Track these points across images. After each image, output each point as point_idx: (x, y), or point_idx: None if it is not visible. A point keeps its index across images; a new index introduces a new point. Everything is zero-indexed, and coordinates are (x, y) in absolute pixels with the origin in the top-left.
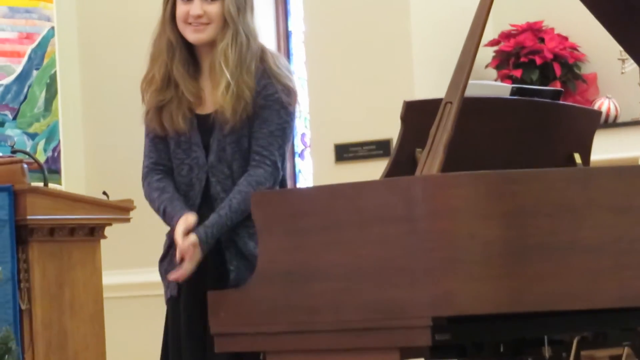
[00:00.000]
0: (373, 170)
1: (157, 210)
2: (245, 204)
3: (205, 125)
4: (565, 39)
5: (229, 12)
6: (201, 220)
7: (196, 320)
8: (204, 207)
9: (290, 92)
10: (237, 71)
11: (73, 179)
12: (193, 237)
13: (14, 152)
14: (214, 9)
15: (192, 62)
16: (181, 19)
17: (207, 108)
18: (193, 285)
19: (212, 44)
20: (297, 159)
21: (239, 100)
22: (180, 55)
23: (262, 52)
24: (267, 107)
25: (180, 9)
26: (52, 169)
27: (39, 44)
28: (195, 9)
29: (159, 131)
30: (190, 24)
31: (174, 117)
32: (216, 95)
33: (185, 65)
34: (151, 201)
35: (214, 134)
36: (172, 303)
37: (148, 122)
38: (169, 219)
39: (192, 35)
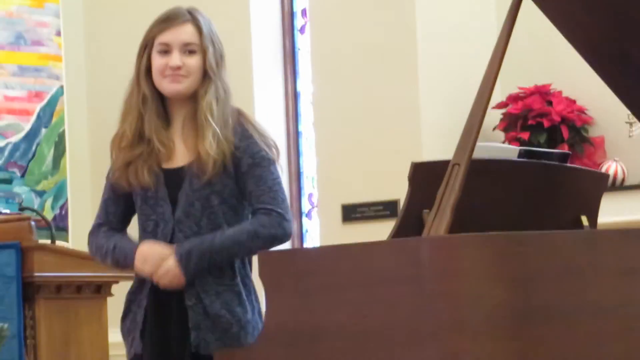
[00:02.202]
0: (380, 230)
1: (105, 253)
2: (239, 237)
3: (173, 179)
4: (573, 102)
5: (210, 66)
6: None
7: None
8: None
9: (273, 149)
10: (220, 124)
11: (80, 237)
12: (171, 262)
13: (21, 209)
14: (192, 61)
15: (164, 116)
16: (158, 71)
17: (177, 162)
18: (156, 344)
19: (187, 97)
20: (304, 219)
21: (219, 152)
22: (154, 108)
23: (239, 112)
24: (257, 165)
25: (158, 61)
26: (59, 226)
27: (48, 102)
28: (175, 60)
29: (125, 188)
30: (167, 76)
31: (139, 172)
32: (195, 146)
33: (159, 118)
34: (98, 248)
35: (183, 189)
36: None
37: (113, 180)
38: (121, 254)
39: (169, 87)
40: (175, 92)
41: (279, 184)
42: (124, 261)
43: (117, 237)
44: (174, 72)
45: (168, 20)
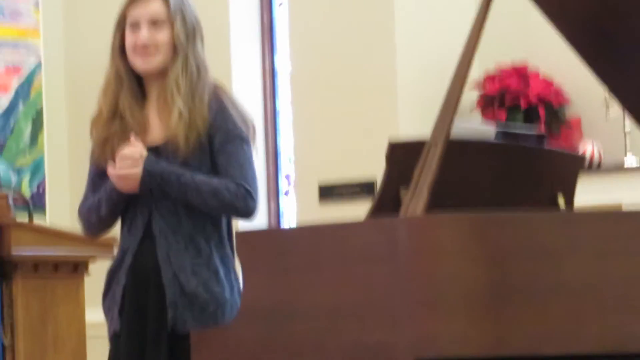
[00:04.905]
0: (357, 210)
1: (98, 202)
2: (201, 186)
3: None
4: (550, 82)
5: (178, 38)
6: (141, 254)
7: (135, 358)
8: (145, 242)
9: (250, 127)
10: (189, 100)
11: (58, 215)
12: (142, 150)
13: None
14: (162, 36)
15: (140, 93)
16: (130, 48)
17: (155, 140)
18: (133, 322)
19: (161, 73)
20: (282, 199)
21: (191, 129)
22: (129, 86)
23: (216, 87)
24: (230, 142)
25: (129, 38)
26: (37, 204)
27: (26, 78)
28: (143, 36)
29: (104, 166)
30: (138, 53)
31: (114, 150)
32: (168, 124)
33: (134, 96)
34: (90, 207)
35: None
36: (115, 340)
37: (94, 158)
38: (106, 193)
39: (141, 64)
40: (145, 69)
41: (251, 163)
42: (115, 191)
43: (102, 187)
44: (143, 49)
45: None
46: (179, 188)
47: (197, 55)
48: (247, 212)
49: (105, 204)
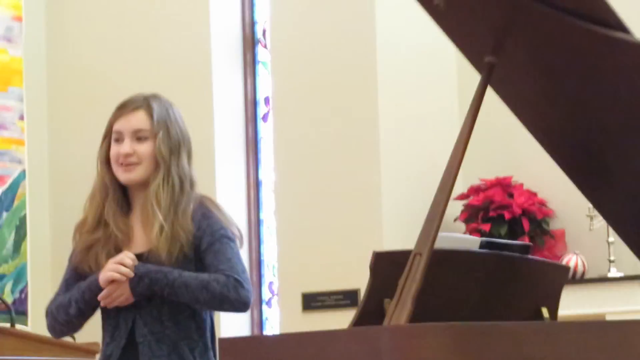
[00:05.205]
0: (340, 319)
1: (68, 302)
2: (190, 282)
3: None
4: (534, 194)
5: (159, 152)
6: None
7: None
8: (128, 349)
9: (235, 229)
10: (171, 213)
11: (40, 321)
12: (130, 255)
13: None
14: (144, 148)
15: (125, 202)
16: (114, 159)
17: (137, 248)
18: None
19: (144, 184)
20: (265, 307)
21: (174, 242)
22: (114, 195)
23: (202, 198)
24: (217, 241)
25: (113, 149)
26: (19, 310)
27: (10, 186)
28: (125, 147)
29: (87, 272)
30: (120, 164)
31: (98, 257)
32: (149, 236)
33: (119, 205)
34: (59, 306)
35: None
36: None
37: (75, 262)
38: (84, 286)
39: (122, 175)
40: (127, 180)
41: (239, 258)
42: (89, 292)
43: (75, 287)
44: (125, 160)
45: (122, 107)
46: (167, 285)
47: (181, 169)
48: (240, 301)
49: (75, 303)
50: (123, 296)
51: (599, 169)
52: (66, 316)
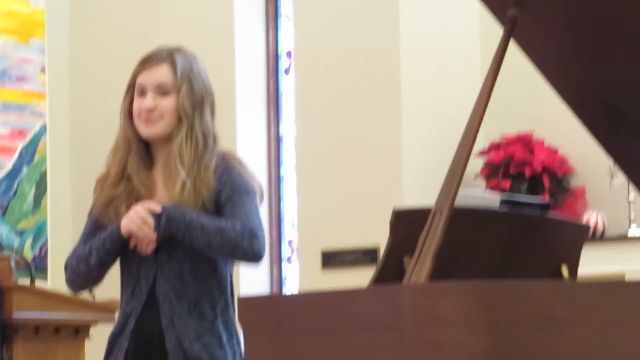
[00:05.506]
0: (360, 277)
1: (89, 252)
2: (207, 226)
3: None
4: (555, 151)
5: (182, 107)
6: (144, 319)
7: None
8: (148, 306)
9: (256, 185)
10: (194, 170)
11: (60, 278)
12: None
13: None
14: (166, 102)
15: (148, 157)
16: (135, 113)
17: (161, 202)
18: None
19: (166, 139)
20: (284, 265)
21: (196, 198)
22: (137, 149)
23: (225, 154)
24: (236, 194)
25: (135, 104)
26: (39, 266)
27: (30, 141)
28: (148, 102)
29: (103, 224)
30: (142, 118)
31: (119, 210)
32: (172, 192)
33: (141, 159)
34: (79, 257)
35: None
36: None
37: (95, 216)
38: (105, 235)
39: (144, 130)
40: (149, 135)
41: (257, 212)
42: (109, 241)
43: (95, 237)
44: (148, 115)
45: (146, 61)
46: (184, 224)
47: (204, 124)
48: (253, 253)
49: (96, 252)
50: (147, 237)
51: (623, 125)
52: (86, 267)
